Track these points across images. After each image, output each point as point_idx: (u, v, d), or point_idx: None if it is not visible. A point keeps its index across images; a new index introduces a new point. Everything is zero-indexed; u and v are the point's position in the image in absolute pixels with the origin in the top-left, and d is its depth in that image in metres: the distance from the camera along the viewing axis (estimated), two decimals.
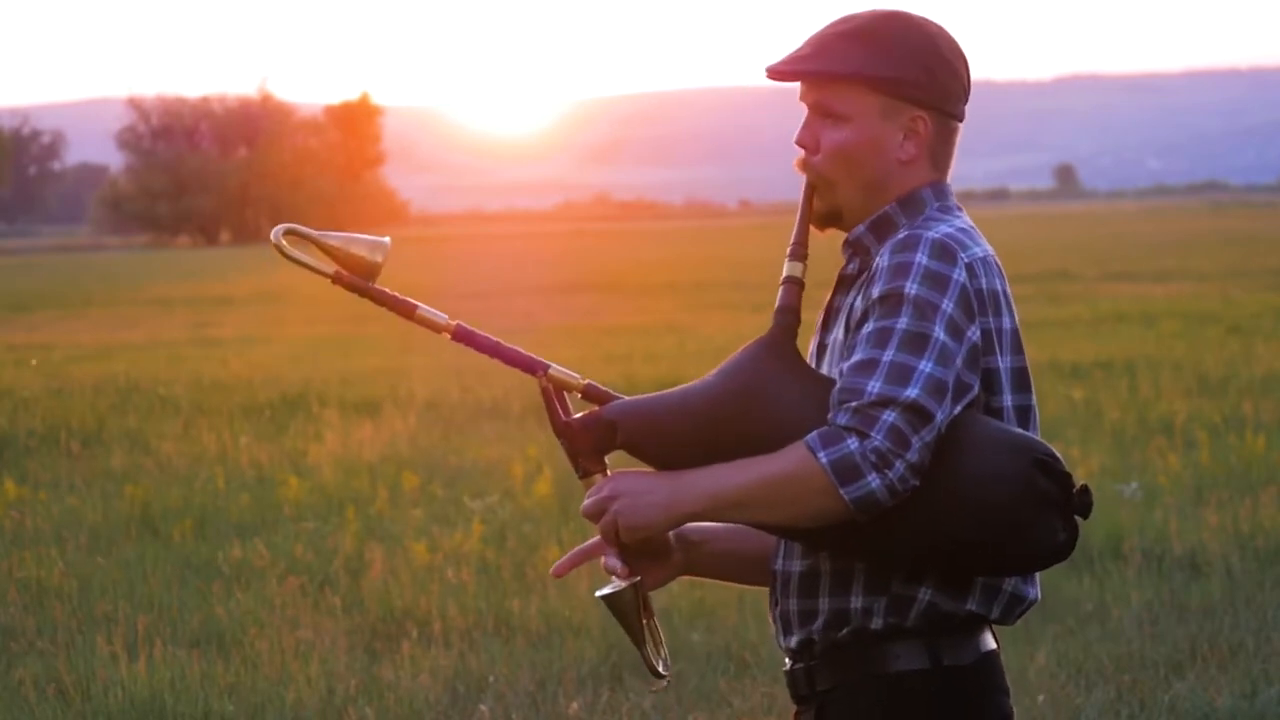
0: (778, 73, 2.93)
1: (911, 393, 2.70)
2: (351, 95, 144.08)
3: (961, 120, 2.96)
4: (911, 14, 2.93)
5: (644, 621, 2.99)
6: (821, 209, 2.95)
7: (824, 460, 2.69)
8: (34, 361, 21.58)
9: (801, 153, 2.95)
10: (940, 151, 2.94)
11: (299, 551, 9.40)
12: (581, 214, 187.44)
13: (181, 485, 11.74)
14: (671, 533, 3.05)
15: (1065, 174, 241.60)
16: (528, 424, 14.41)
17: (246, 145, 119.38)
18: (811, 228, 2.98)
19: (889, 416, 2.69)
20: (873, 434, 2.68)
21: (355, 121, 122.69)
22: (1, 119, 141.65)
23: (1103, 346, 19.49)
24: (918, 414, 2.69)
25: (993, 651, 2.91)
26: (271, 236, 2.95)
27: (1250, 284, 32.11)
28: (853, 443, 2.69)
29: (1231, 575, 8.31)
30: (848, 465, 2.69)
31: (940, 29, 2.93)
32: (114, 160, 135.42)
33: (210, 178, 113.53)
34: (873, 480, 2.68)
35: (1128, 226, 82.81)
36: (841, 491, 2.69)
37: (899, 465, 2.68)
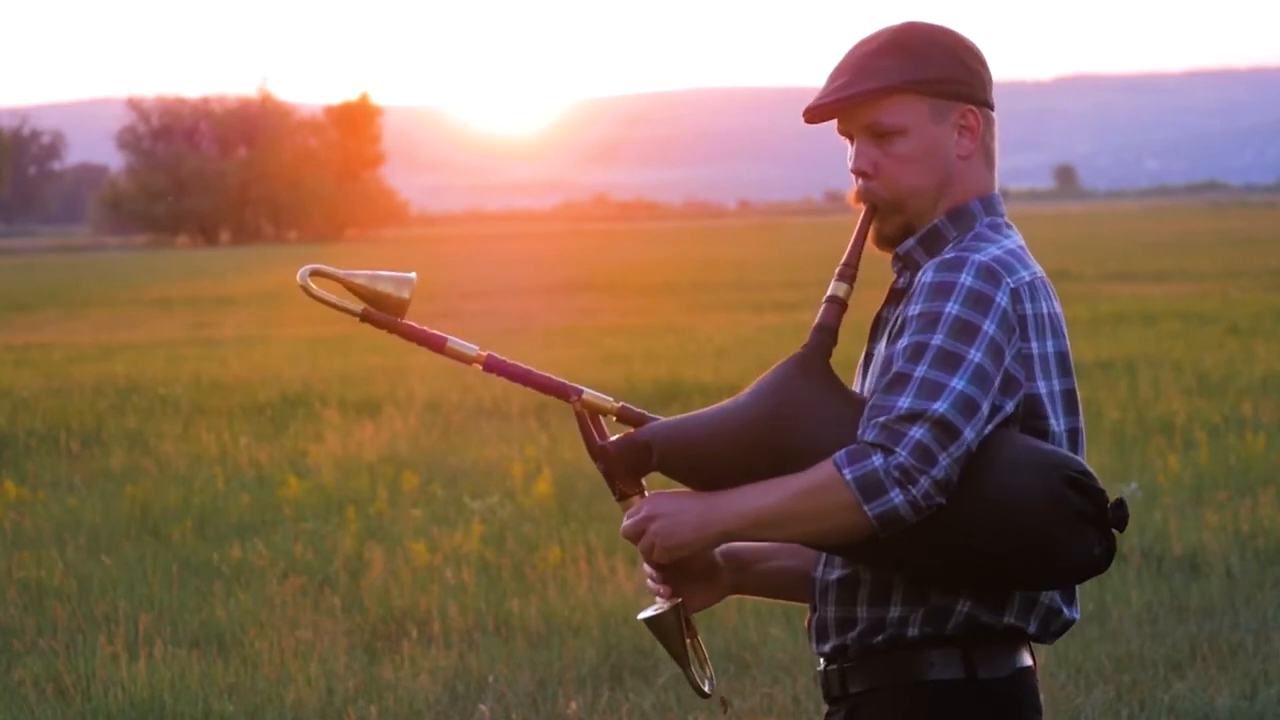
0: (822, 107, 2.91)
1: (940, 408, 2.70)
2: (351, 95, 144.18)
3: (994, 109, 2.97)
4: (924, 22, 2.95)
5: (688, 642, 2.99)
6: (889, 230, 2.93)
7: (849, 476, 2.70)
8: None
9: (853, 189, 2.94)
10: (990, 146, 2.95)
11: (299, 551, 9.40)
12: (581, 214, 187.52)
13: (181, 485, 11.73)
14: (720, 553, 3.06)
15: (1065, 174, 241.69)
16: (528, 424, 14.41)
17: (246, 145, 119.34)
18: (872, 249, 2.96)
19: (916, 432, 2.69)
20: (898, 450, 2.69)
21: (355, 121, 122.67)
22: (1, 119, 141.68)
23: (1102, 346, 19.49)
24: (945, 430, 2.69)
25: (1029, 668, 2.91)
26: (298, 278, 2.96)
27: (1250, 284, 32.11)
28: (877, 459, 2.70)
29: (1231, 575, 8.31)
30: (871, 481, 2.69)
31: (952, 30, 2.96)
32: (114, 160, 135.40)
33: (210, 178, 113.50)
34: (895, 496, 2.68)
35: (1127, 226, 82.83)
36: (865, 507, 2.69)
37: (923, 482, 2.68)
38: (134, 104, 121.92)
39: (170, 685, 6.95)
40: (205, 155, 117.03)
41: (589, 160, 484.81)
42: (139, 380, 18.89)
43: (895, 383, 2.74)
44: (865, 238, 2.94)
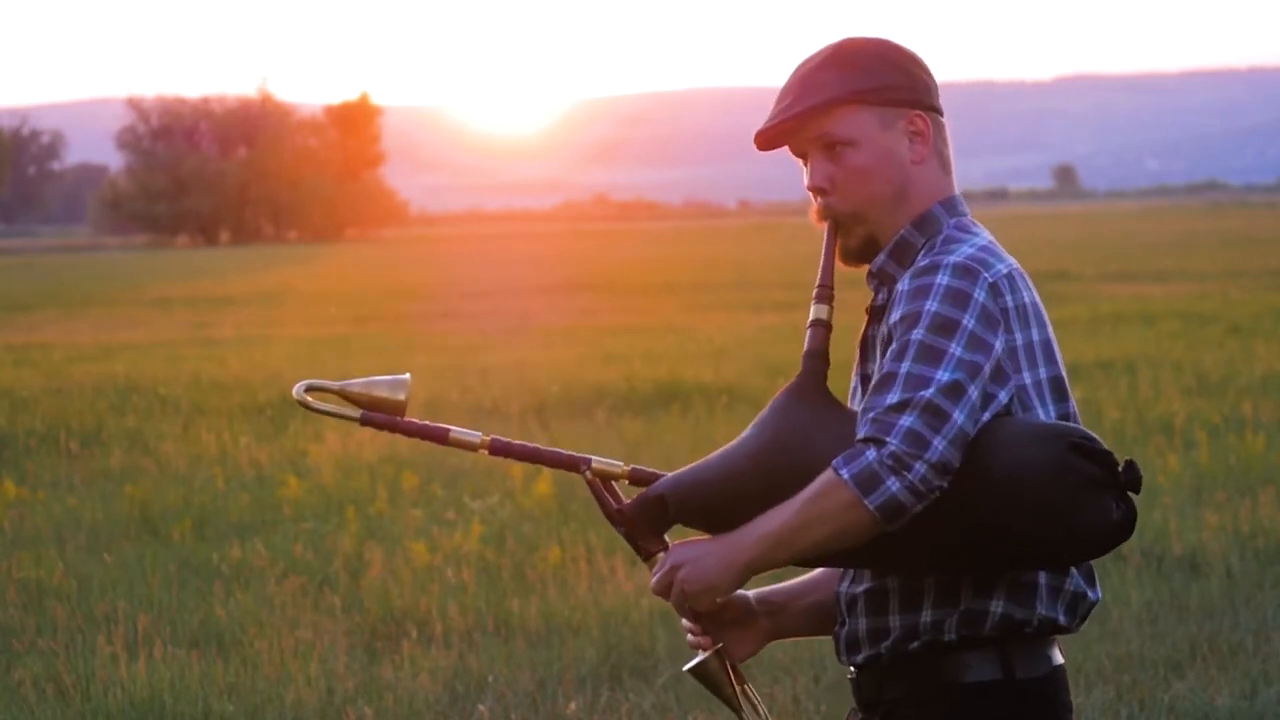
0: (772, 129, 2.94)
1: (926, 394, 2.72)
2: (351, 95, 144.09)
3: (943, 114, 2.99)
4: (862, 36, 2.98)
5: (738, 688, 3.00)
6: (854, 244, 2.96)
7: (846, 475, 2.72)
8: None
9: (814, 208, 2.96)
10: (943, 150, 2.97)
11: (299, 551, 9.40)
12: (581, 214, 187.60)
13: (181, 485, 11.73)
14: (754, 599, 3.09)
15: (1064, 174, 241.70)
16: (527, 424, 14.41)
17: (246, 145, 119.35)
18: (840, 265, 2.98)
19: (905, 420, 2.71)
20: (889, 440, 2.71)
21: (355, 121, 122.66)
22: (1, 119, 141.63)
23: (1102, 346, 19.48)
24: (935, 414, 2.71)
25: (1062, 667, 2.92)
26: (294, 394, 3.03)
27: (1249, 284, 32.10)
28: (870, 452, 2.72)
29: (1231, 575, 8.31)
30: (867, 474, 2.71)
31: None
32: (113, 160, 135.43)
33: (210, 178, 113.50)
34: (892, 484, 2.70)
35: (1127, 226, 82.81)
36: (865, 501, 2.71)
37: (919, 466, 2.69)
38: (134, 104, 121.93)
39: (170, 685, 6.94)
40: (205, 155, 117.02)
41: (589, 160, 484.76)
42: (139, 380, 18.88)
43: (883, 382, 2.76)
44: (834, 254, 2.97)
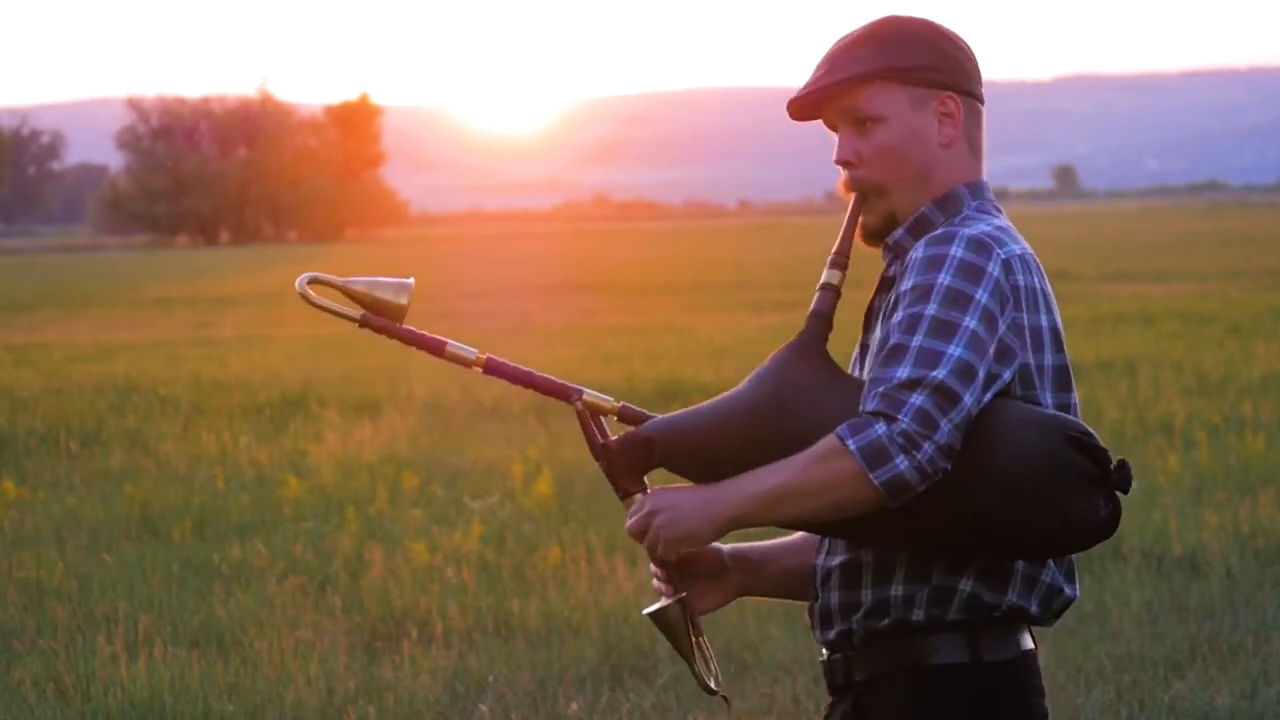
0: (803, 99, 2.94)
1: (938, 374, 2.71)
2: (351, 95, 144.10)
3: (982, 102, 2.99)
4: (903, 15, 2.97)
5: (693, 639, 2.99)
6: (874, 221, 2.95)
7: (853, 446, 2.70)
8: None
9: (841, 177, 2.97)
10: (974, 134, 2.97)
11: (299, 551, 9.40)
12: (581, 214, 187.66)
13: (181, 485, 11.73)
14: (728, 554, 3.08)
15: (1064, 174, 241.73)
16: (528, 424, 14.41)
17: (246, 145, 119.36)
18: (859, 244, 2.99)
19: (916, 399, 2.70)
20: (900, 417, 2.69)
21: (355, 121, 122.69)
22: (1, 119, 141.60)
23: (1102, 346, 19.48)
24: (945, 395, 2.70)
25: (1032, 651, 2.92)
26: (296, 286, 3.00)
27: (1249, 284, 32.10)
28: (880, 427, 2.70)
29: (1231, 575, 8.31)
30: (876, 449, 2.69)
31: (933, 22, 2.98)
32: (113, 160, 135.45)
33: (210, 178, 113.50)
34: (901, 462, 2.69)
35: (1127, 226, 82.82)
36: (871, 476, 2.70)
37: (927, 447, 2.69)
38: (134, 104, 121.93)
39: (170, 685, 6.94)
40: (205, 155, 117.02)
41: (589, 160, 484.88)
42: (139, 380, 18.88)
43: (893, 354, 2.75)
44: (855, 226, 2.97)
